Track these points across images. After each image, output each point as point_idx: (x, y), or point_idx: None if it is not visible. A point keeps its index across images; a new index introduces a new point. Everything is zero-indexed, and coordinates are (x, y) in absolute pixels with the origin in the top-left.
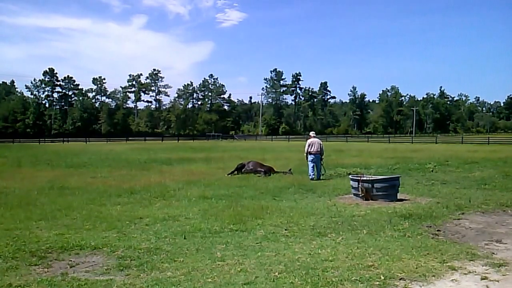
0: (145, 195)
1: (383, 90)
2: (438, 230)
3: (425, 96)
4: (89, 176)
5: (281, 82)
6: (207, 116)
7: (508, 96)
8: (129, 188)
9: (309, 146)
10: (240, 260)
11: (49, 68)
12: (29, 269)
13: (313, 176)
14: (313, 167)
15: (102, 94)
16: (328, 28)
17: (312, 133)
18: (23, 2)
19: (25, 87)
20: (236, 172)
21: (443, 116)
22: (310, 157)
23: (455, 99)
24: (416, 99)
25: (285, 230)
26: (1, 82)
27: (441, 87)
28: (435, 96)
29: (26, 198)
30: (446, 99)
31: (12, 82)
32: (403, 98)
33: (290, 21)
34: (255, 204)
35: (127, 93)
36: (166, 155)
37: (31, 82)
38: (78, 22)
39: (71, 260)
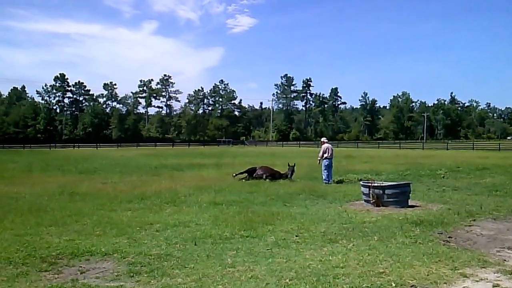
0: (156, 201)
1: (394, 96)
2: (449, 237)
3: (436, 102)
4: (100, 181)
5: (292, 87)
6: (217, 122)
7: None
8: (139, 194)
9: (324, 151)
10: (250, 267)
11: (60, 74)
12: (39, 275)
13: (327, 180)
14: (327, 171)
15: (113, 99)
16: (339, 34)
17: (324, 139)
18: (34, 8)
19: (36, 92)
20: (247, 176)
21: (454, 122)
22: (326, 162)
23: (466, 105)
24: (427, 105)
25: (296, 236)
26: (12, 88)
27: (452, 93)
28: (446, 102)
29: (36, 203)
30: (457, 105)
31: (23, 87)
32: (414, 104)
33: (301, 26)
34: (266, 210)
35: (138, 99)
36: (177, 160)
37: (42, 88)
38: (89, 28)
39: (81, 266)
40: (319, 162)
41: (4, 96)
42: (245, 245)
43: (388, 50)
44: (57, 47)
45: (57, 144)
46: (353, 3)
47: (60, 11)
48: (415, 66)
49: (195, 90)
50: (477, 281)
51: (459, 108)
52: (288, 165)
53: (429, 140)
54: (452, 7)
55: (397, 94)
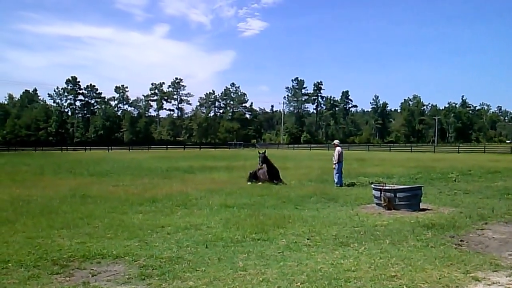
0: (167, 203)
1: (404, 99)
2: (461, 240)
3: (447, 105)
4: (111, 184)
5: (303, 91)
6: (228, 125)
7: None
8: (151, 197)
9: (339, 155)
10: (262, 270)
11: (71, 77)
12: (50, 278)
13: (340, 183)
14: (339, 174)
15: (125, 102)
16: (350, 37)
17: (337, 141)
18: (46, 11)
19: (47, 95)
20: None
21: (465, 126)
22: (340, 165)
23: (477, 108)
24: (438, 108)
25: (307, 239)
26: (24, 90)
27: (463, 96)
28: (457, 106)
29: (48, 206)
30: (468, 109)
31: (35, 90)
32: (425, 107)
33: (312, 30)
34: (277, 213)
35: (149, 102)
36: (188, 163)
37: (54, 90)
38: (101, 31)
39: (92, 269)
40: (335, 166)
41: (16, 99)
42: (257, 248)
43: (399, 53)
44: (68, 50)
45: (68, 147)
46: (363, 6)
47: (72, 14)
48: (426, 69)
49: (207, 93)
50: (489, 284)
51: (470, 112)
52: (258, 153)
53: (440, 143)
54: (463, 10)
55: (408, 98)
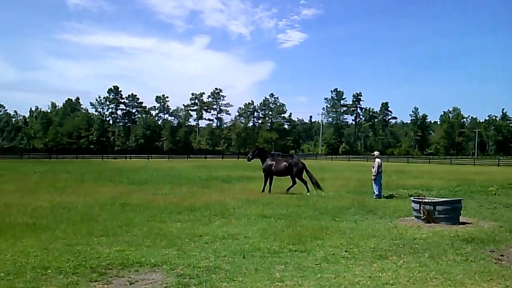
0: (205, 212)
1: (444, 112)
2: (501, 255)
3: (487, 118)
4: (151, 193)
5: (342, 102)
6: (267, 135)
7: None
8: (189, 206)
9: (379, 166)
10: (299, 282)
11: (113, 86)
12: (89, 285)
13: (379, 195)
14: (379, 186)
15: (165, 112)
16: (389, 48)
17: (377, 153)
18: (89, 21)
19: (90, 104)
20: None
21: (506, 139)
22: (379, 177)
23: None
24: (478, 121)
25: (345, 251)
26: (66, 99)
27: (503, 109)
28: (497, 118)
29: (88, 213)
30: (508, 122)
31: (77, 99)
32: (464, 119)
33: (351, 41)
34: (314, 224)
35: (189, 111)
36: (226, 173)
37: (96, 99)
38: (143, 42)
39: (131, 277)
40: (374, 178)
41: (59, 108)
42: (294, 260)
43: (439, 65)
44: (111, 60)
45: (109, 155)
46: (403, 18)
47: (114, 24)
48: (466, 82)
49: (246, 103)
50: None
51: (511, 125)
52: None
53: (480, 156)
54: (503, 22)
55: (448, 110)
